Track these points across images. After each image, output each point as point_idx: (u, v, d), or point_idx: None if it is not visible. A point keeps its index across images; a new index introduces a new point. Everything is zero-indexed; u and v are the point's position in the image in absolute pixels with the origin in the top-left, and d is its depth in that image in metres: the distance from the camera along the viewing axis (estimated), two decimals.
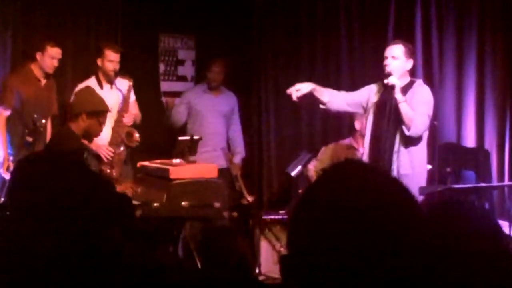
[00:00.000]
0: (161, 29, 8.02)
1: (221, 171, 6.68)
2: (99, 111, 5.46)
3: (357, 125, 6.48)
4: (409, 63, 5.62)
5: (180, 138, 6.33)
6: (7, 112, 6.15)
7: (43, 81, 6.34)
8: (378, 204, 1.29)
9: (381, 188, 1.33)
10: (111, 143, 6.47)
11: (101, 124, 5.51)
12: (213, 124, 7.40)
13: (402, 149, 5.51)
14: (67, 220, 1.97)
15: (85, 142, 5.84)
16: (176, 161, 5.82)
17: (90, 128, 5.38)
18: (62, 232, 1.95)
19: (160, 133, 7.52)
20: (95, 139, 6.20)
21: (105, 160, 6.31)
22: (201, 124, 7.36)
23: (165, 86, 8.08)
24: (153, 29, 7.92)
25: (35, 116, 5.92)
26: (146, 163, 5.95)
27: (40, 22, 6.80)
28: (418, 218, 1.33)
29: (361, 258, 1.27)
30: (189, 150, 6.07)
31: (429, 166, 6.21)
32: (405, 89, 5.54)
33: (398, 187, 1.35)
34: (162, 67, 8.11)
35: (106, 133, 6.42)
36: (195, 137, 6.21)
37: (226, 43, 8.13)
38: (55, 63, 6.31)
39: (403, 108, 5.43)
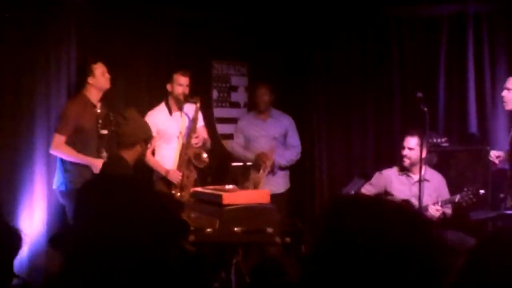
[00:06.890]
0: (214, 56, 8.12)
1: (272, 196, 6.86)
2: (151, 137, 5.35)
3: (406, 162, 6.47)
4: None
5: (233, 164, 6.38)
6: (63, 138, 6.29)
7: (98, 106, 6.44)
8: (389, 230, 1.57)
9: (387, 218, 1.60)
10: (179, 166, 6.60)
11: (147, 148, 5.40)
12: (264, 148, 7.39)
13: None
14: (130, 241, 2.05)
15: (155, 167, 6.18)
16: (229, 187, 5.86)
17: (142, 154, 5.30)
18: (127, 252, 2.04)
19: (213, 159, 7.57)
20: (163, 163, 6.43)
21: (176, 184, 6.43)
22: (253, 149, 7.41)
23: (218, 112, 8.16)
24: (206, 56, 8.02)
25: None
26: (199, 189, 6.01)
27: (93, 51, 6.88)
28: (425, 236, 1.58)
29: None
30: (242, 176, 6.11)
31: (482, 191, 6.19)
32: None
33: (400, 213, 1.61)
34: (215, 94, 8.19)
35: (173, 157, 6.55)
36: (248, 163, 6.26)
37: (278, 70, 8.20)
38: (107, 76, 6.46)
39: None
